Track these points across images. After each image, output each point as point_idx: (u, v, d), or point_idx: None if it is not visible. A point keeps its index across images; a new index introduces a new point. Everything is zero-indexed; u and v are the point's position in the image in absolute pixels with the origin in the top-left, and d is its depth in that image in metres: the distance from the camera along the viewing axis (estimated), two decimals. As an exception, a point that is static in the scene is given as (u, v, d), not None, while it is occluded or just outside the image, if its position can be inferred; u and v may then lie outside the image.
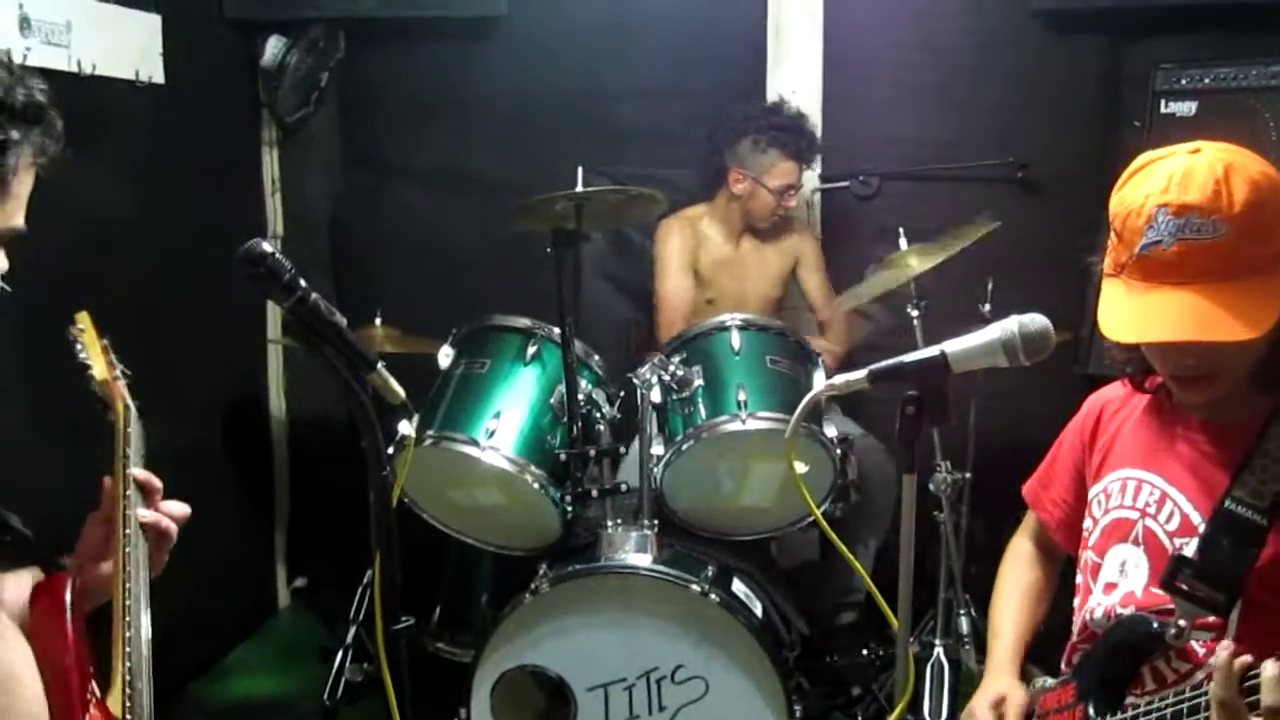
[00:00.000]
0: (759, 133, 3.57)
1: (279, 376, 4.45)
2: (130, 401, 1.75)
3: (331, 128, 4.42)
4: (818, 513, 2.12)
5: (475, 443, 2.83)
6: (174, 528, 1.65)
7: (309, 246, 4.42)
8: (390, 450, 2.94)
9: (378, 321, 3.67)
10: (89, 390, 1.76)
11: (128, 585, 1.53)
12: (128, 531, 1.56)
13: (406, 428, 2.91)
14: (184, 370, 3.74)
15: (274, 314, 4.37)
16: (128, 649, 1.51)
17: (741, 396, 2.84)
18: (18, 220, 1.30)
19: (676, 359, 2.96)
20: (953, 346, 1.62)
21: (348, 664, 3.60)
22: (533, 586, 2.77)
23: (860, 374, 1.63)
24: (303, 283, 1.56)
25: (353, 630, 3.67)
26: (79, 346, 1.77)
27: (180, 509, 1.67)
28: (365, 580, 3.76)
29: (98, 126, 3.19)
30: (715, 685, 2.78)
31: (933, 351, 1.63)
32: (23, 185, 1.30)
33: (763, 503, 2.95)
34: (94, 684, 1.45)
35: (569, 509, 2.90)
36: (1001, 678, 1.83)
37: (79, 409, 1.78)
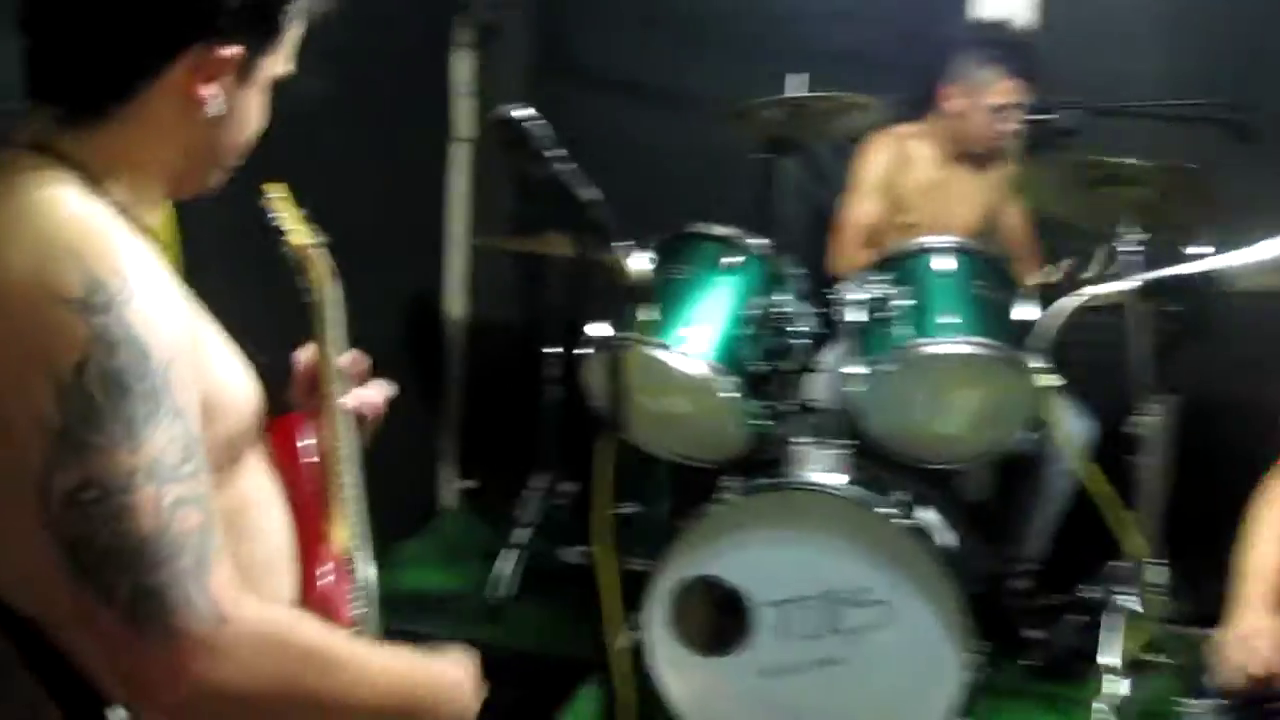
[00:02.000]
0: (978, 48, 3.42)
1: (459, 277, 4.47)
2: (327, 266, 1.75)
3: (527, 31, 4.39)
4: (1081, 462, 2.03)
5: (668, 347, 2.80)
6: (380, 409, 1.69)
7: (498, 154, 4.40)
8: (582, 352, 2.93)
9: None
10: (283, 256, 1.75)
11: (339, 436, 1.57)
12: (335, 387, 1.60)
13: (596, 329, 2.89)
14: (363, 261, 3.74)
15: (457, 211, 4.40)
16: (344, 489, 1.55)
17: (946, 319, 2.75)
18: (287, 69, 1.29)
19: (880, 277, 2.88)
20: (1227, 260, 1.53)
21: (513, 564, 3.63)
22: (718, 497, 2.73)
23: (1129, 284, 1.54)
24: (555, 150, 1.53)
25: (523, 532, 3.70)
26: (272, 214, 1.77)
27: (385, 389, 1.70)
28: (536, 485, 3.80)
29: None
30: (897, 612, 2.72)
31: (1203, 266, 1.53)
32: (295, 35, 1.28)
33: (959, 431, 2.87)
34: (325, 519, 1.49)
35: (757, 422, 2.85)
36: (1254, 613, 1.74)
37: (273, 278, 1.78)
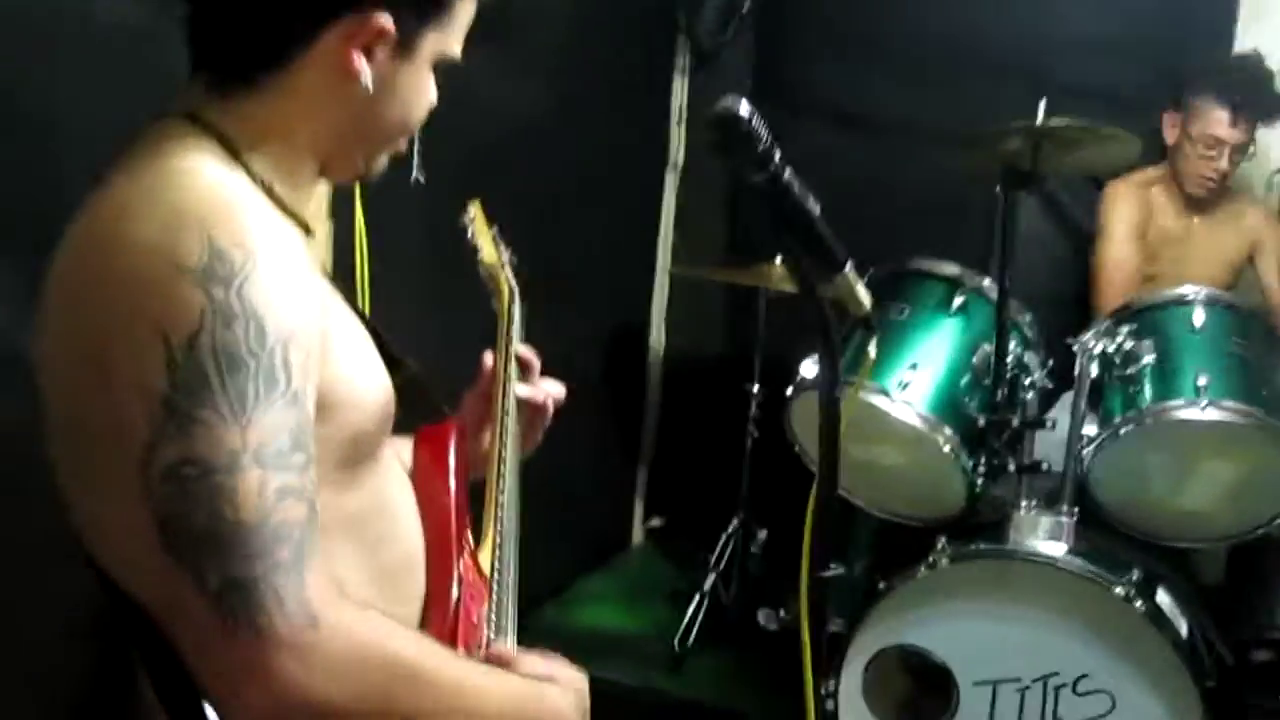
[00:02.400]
0: (1201, 76, 3.12)
1: (662, 307, 4.32)
2: (515, 285, 1.73)
3: (746, 57, 4.24)
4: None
5: (886, 393, 2.57)
6: (550, 405, 1.62)
7: (709, 179, 4.28)
8: (790, 391, 2.73)
9: (777, 260, 3.46)
10: (476, 272, 1.77)
11: (503, 454, 1.50)
12: (506, 405, 1.54)
13: (810, 368, 2.69)
14: (567, 285, 3.66)
15: (665, 241, 4.26)
16: (499, 513, 1.46)
17: (1201, 381, 2.45)
18: (455, 50, 1.18)
19: (1125, 329, 2.60)
20: None
21: (698, 611, 3.45)
22: (929, 560, 2.49)
23: None
24: (778, 156, 1.34)
25: (712, 577, 3.52)
26: (470, 231, 1.78)
27: (557, 388, 1.65)
28: (730, 528, 3.61)
29: (515, 22, 3.10)
30: (1123, 705, 2.43)
31: None
32: (464, 13, 1.18)
33: (1206, 507, 2.56)
34: (469, 534, 1.40)
35: (978, 481, 2.60)
36: None
37: (466, 290, 1.79)
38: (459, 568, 1.33)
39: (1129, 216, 3.31)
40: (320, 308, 1.07)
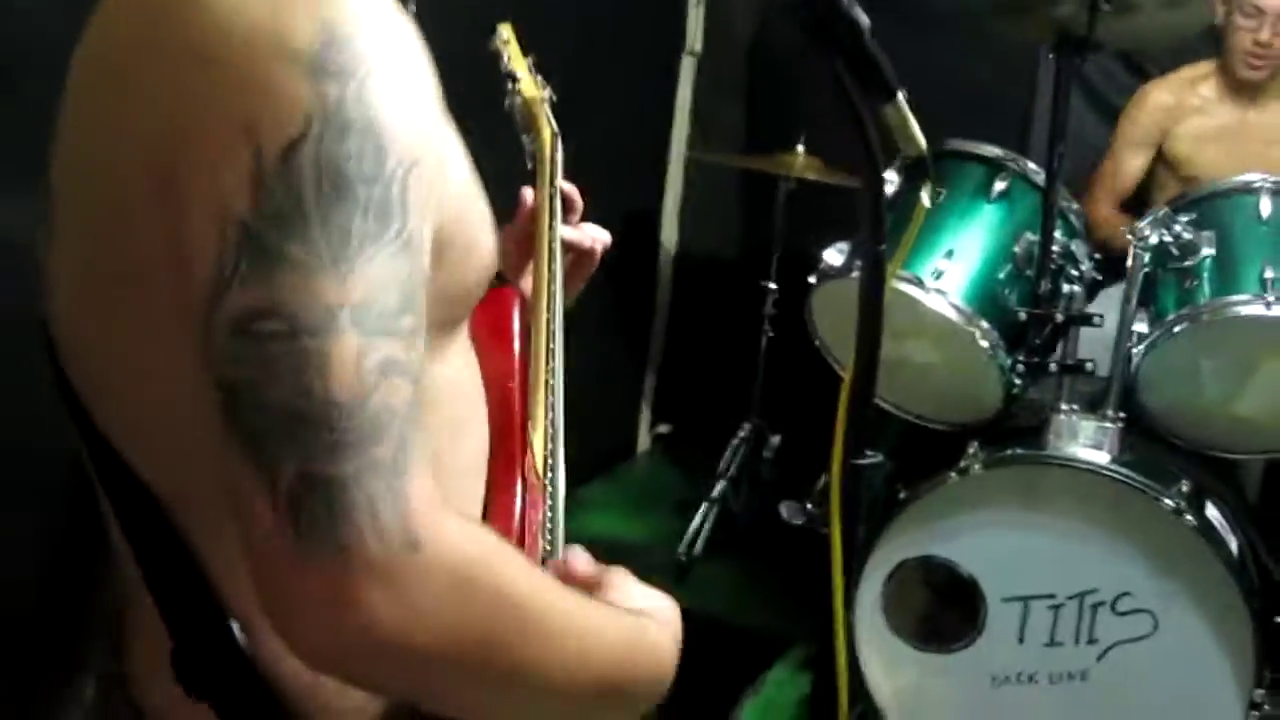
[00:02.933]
0: None
1: (676, 199, 4.09)
2: (555, 127, 1.49)
3: (771, -69, 3.98)
4: None
5: (919, 282, 2.34)
6: (597, 249, 1.40)
7: (728, 66, 4.03)
8: (812, 279, 2.51)
9: (799, 149, 3.23)
10: (508, 110, 1.52)
11: (552, 322, 1.26)
12: (553, 266, 1.31)
13: (835, 256, 2.46)
14: (571, 173, 3.44)
15: (679, 130, 4.02)
16: (551, 393, 1.20)
17: (1268, 275, 2.22)
18: None
19: (1183, 219, 2.36)
20: None
21: (707, 519, 3.27)
22: (960, 465, 2.28)
23: None
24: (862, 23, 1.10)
25: (721, 484, 3.34)
26: (504, 57, 1.53)
27: (602, 232, 1.42)
28: (742, 433, 3.41)
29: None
30: (1166, 626, 2.23)
31: None
32: None
33: (1266, 414, 2.34)
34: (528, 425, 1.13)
35: (1015, 381, 2.38)
36: None
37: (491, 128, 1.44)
38: (524, 464, 1.07)
39: (1144, 123, 3.18)
40: (439, 127, 0.81)
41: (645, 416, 4.23)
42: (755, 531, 3.29)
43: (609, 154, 3.55)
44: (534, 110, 1.49)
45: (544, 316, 1.27)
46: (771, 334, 3.37)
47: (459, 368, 0.95)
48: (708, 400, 3.84)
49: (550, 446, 1.20)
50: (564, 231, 1.36)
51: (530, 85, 1.52)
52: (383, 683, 0.78)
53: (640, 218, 4.03)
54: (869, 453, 1.30)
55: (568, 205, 1.39)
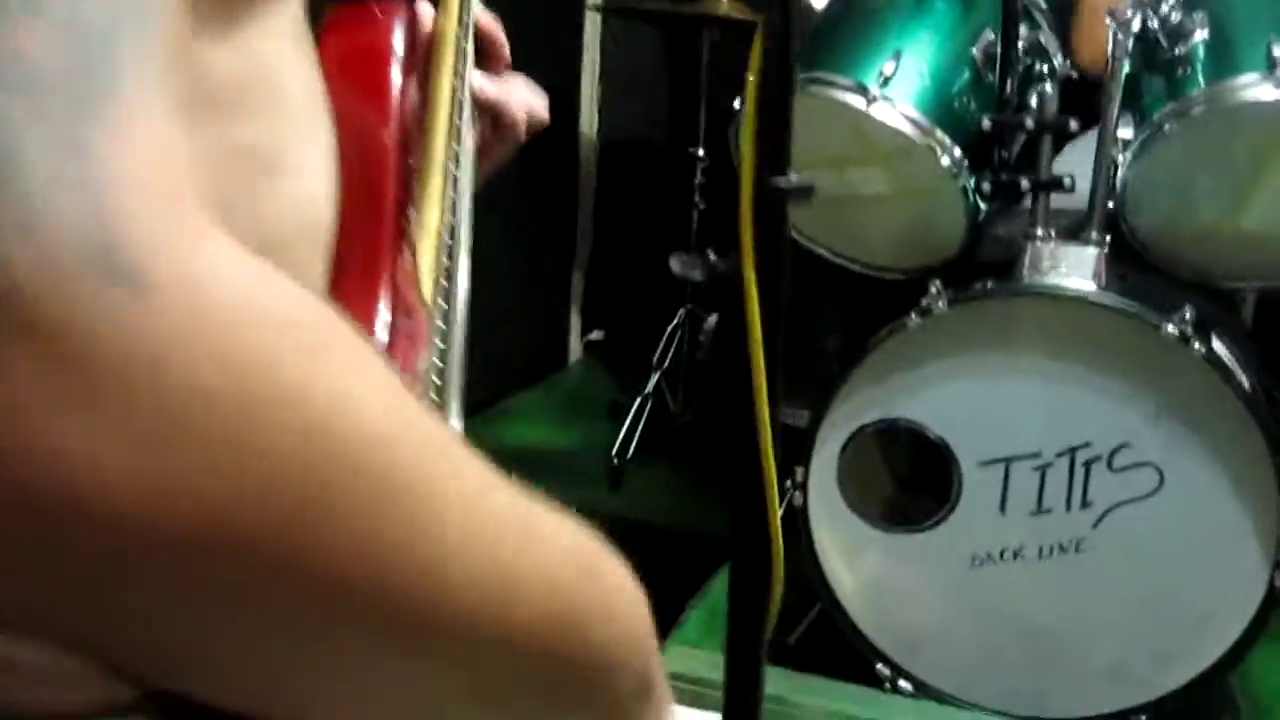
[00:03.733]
0: None
1: (593, 82, 3.69)
2: None
3: None
4: None
5: (863, 90, 1.96)
6: (521, 121, 0.95)
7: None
8: (737, 104, 2.12)
9: (722, -8, 2.84)
10: None
11: (454, 147, 0.81)
12: (458, 104, 0.84)
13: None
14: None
15: (592, 26, 3.61)
16: (453, 168, 0.80)
17: (1277, 51, 1.85)
18: None
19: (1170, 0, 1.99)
20: None
21: (640, 417, 2.91)
22: (922, 304, 1.92)
23: None
24: None
25: (655, 377, 2.97)
26: None
27: (536, 100, 0.97)
28: (676, 319, 3.05)
29: None
30: (1173, 481, 1.89)
31: None
32: None
33: (1275, 228, 1.98)
34: (411, 226, 0.72)
35: (981, 206, 2.01)
36: None
37: None
38: (395, 272, 0.69)
39: None
40: None
41: (575, 323, 3.85)
42: (695, 428, 2.93)
43: (517, 11, 3.17)
44: None
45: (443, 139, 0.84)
46: (703, 206, 2.99)
47: (273, 61, 0.57)
48: (643, 298, 3.46)
49: (448, 266, 0.79)
50: (479, 84, 0.91)
51: None
52: (62, 595, 0.36)
53: (555, 100, 3.62)
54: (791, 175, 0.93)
55: (486, 49, 0.93)
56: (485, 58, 0.97)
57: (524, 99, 0.97)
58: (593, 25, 3.59)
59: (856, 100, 1.95)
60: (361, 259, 0.66)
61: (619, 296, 3.76)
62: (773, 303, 0.94)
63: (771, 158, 0.88)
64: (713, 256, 1.66)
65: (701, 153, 2.98)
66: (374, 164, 0.70)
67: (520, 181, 3.46)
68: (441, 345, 0.77)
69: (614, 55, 3.62)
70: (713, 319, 2.97)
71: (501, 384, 3.39)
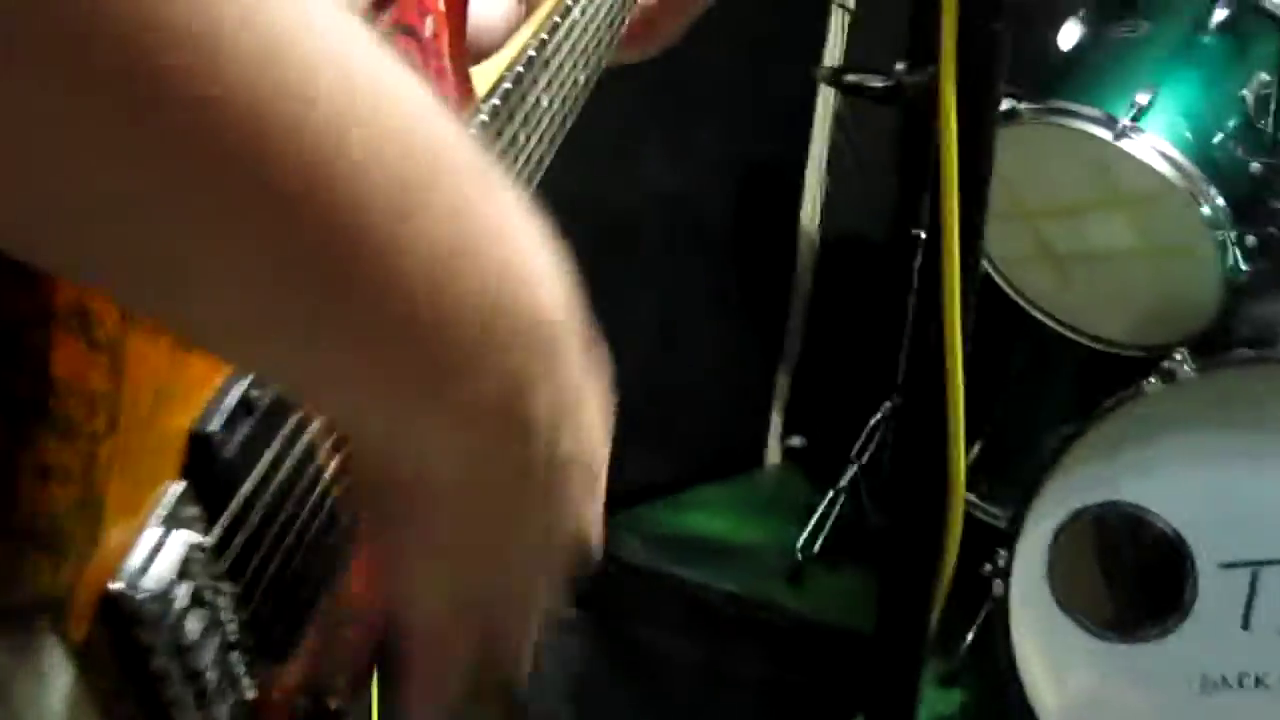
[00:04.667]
0: None
1: (819, 173, 3.52)
2: None
3: None
4: None
5: (1112, 121, 1.73)
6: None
7: (886, 18, 3.49)
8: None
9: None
10: None
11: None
12: None
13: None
14: (708, 124, 2.95)
15: (824, 104, 3.47)
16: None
17: None
18: None
19: None
20: None
21: (835, 510, 2.67)
22: (1164, 367, 1.65)
23: None
24: None
25: (851, 471, 2.74)
26: None
27: None
28: (881, 412, 2.81)
29: None
30: None
31: None
32: None
33: None
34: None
35: (1242, 266, 1.74)
36: None
37: None
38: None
39: None
40: None
41: (776, 424, 3.63)
42: (889, 531, 2.66)
43: (739, 77, 3.06)
44: None
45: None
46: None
47: None
48: (853, 404, 3.24)
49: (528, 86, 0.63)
50: None
51: None
52: None
53: (776, 183, 3.49)
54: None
55: None
56: None
57: None
58: (824, 104, 3.44)
59: (1103, 132, 1.72)
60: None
61: (826, 401, 3.53)
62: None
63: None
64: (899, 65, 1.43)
65: (924, 235, 2.76)
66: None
67: (731, 265, 3.32)
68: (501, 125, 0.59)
69: (844, 136, 3.47)
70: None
71: (688, 474, 3.21)
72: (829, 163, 3.50)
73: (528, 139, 0.60)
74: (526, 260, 0.40)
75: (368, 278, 0.34)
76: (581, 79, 0.66)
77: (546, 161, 0.64)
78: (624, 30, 0.80)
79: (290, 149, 0.30)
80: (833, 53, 3.50)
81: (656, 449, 3.01)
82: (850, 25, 3.51)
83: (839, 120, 3.46)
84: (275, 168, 0.30)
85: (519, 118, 0.58)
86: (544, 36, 0.62)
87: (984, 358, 2.19)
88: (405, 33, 0.50)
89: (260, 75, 0.29)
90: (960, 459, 0.78)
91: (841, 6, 3.49)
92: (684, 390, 3.15)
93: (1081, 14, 1.90)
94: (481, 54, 0.61)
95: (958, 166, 0.74)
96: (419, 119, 0.35)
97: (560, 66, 0.63)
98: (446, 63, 0.52)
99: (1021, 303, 1.97)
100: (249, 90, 0.29)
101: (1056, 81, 1.79)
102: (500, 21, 0.81)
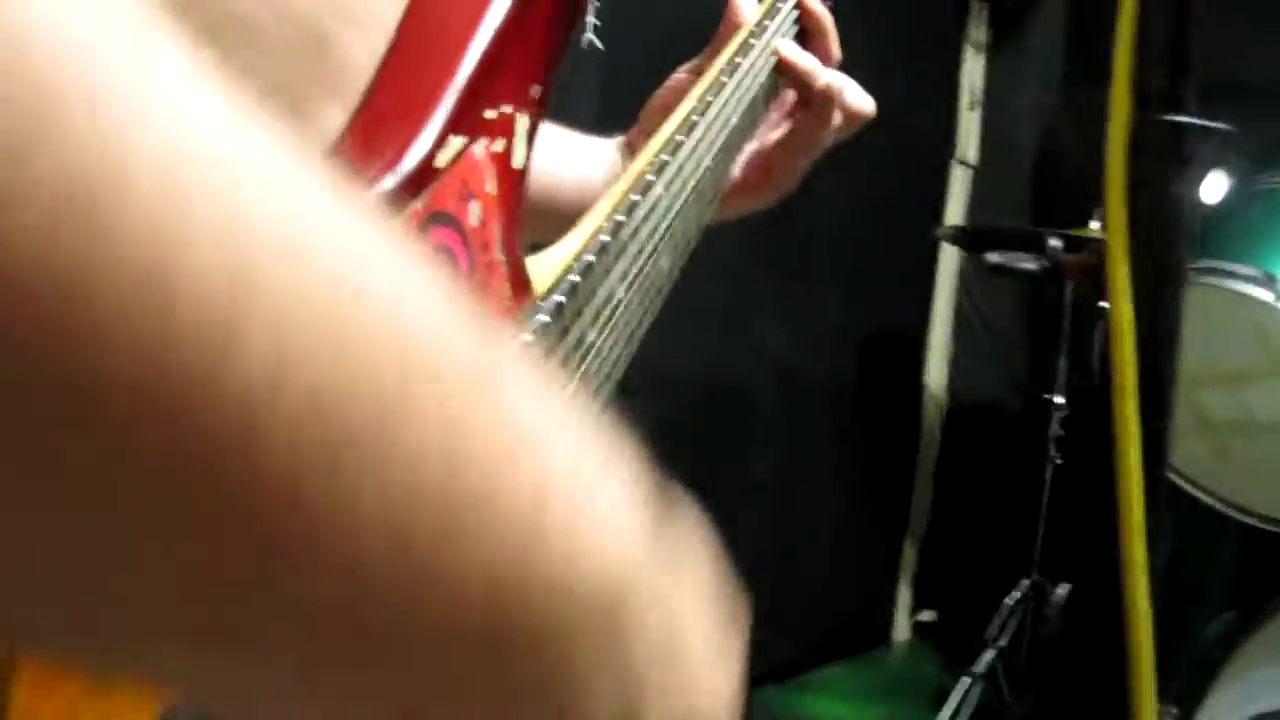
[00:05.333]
0: None
1: (944, 341, 3.41)
2: None
3: (1056, 26, 3.39)
4: None
5: (1271, 281, 1.59)
6: (836, 103, 0.77)
7: (1007, 178, 3.41)
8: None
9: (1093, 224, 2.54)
10: None
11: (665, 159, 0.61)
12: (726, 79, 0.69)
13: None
14: (830, 298, 2.88)
15: (947, 263, 3.37)
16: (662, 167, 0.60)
17: None
18: None
19: None
20: None
21: (971, 698, 2.47)
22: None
23: None
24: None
25: (988, 656, 2.54)
26: None
27: (859, 95, 0.81)
28: (1019, 591, 2.62)
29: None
30: None
31: None
32: None
33: None
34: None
35: None
36: None
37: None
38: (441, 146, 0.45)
39: None
40: None
41: (904, 598, 3.45)
42: (1038, 715, 2.46)
43: (866, 273, 2.98)
44: None
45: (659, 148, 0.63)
46: (1060, 460, 2.59)
47: None
48: (983, 572, 3.05)
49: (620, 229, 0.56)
50: (787, 49, 0.77)
51: None
52: None
53: (900, 353, 3.37)
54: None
55: (812, 31, 0.80)
56: (809, 39, 0.80)
57: (840, 80, 0.78)
58: (948, 263, 3.34)
59: (1262, 293, 1.57)
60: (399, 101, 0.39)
61: (956, 573, 3.35)
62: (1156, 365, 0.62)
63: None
64: (1053, 242, 1.26)
65: (1060, 400, 2.60)
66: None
67: (853, 429, 3.19)
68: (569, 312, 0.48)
69: (969, 297, 3.36)
70: (1062, 590, 2.51)
71: (812, 654, 3.03)
72: (954, 323, 3.39)
73: (601, 338, 0.50)
74: (576, 515, 0.28)
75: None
76: (666, 265, 0.56)
77: (625, 361, 0.54)
78: (738, 182, 0.73)
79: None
80: (955, 210, 3.42)
81: (776, 626, 2.86)
82: (973, 179, 3.44)
83: (963, 279, 3.36)
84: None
85: (588, 315, 0.48)
86: (619, 219, 0.51)
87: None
88: (443, 223, 0.40)
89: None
90: (1149, 686, 0.64)
91: (962, 163, 3.42)
92: (805, 562, 3.00)
93: (1227, 165, 1.77)
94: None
95: (1137, 366, 0.60)
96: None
97: (640, 253, 0.53)
98: (497, 255, 0.42)
99: (1176, 478, 1.80)
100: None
101: (1206, 237, 1.66)
102: (600, 182, 0.73)
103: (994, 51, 3.45)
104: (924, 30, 3.26)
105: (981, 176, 3.45)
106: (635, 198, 0.52)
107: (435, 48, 0.40)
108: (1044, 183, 3.40)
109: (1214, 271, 1.61)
